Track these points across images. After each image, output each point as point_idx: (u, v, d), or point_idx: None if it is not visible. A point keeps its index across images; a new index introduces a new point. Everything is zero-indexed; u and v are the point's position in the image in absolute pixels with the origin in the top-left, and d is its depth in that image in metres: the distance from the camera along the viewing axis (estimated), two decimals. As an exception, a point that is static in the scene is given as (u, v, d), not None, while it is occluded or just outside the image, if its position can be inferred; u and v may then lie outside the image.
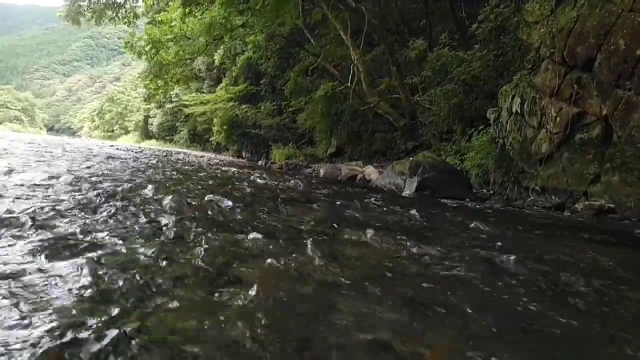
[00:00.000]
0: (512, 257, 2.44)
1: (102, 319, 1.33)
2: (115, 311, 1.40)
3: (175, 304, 1.50)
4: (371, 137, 13.36)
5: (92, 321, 1.31)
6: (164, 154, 18.20)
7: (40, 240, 2.06)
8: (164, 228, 2.58)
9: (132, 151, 17.94)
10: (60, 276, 1.64)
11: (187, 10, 12.52)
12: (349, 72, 12.48)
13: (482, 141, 7.45)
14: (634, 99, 4.58)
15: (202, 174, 7.49)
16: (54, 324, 1.26)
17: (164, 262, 1.93)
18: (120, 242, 2.20)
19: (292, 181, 7.33)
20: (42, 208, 2.71)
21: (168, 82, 15.94)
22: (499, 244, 2.91)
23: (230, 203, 3.86)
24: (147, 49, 14.13)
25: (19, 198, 3.07)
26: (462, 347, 1.35)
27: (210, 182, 6.19)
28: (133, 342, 1.20)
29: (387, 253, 2.44)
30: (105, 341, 1.18)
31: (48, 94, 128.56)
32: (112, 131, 65.98)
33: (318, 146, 15.39)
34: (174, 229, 2.59)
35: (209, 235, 2.53)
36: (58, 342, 1.16)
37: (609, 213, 4.78)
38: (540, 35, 6.28)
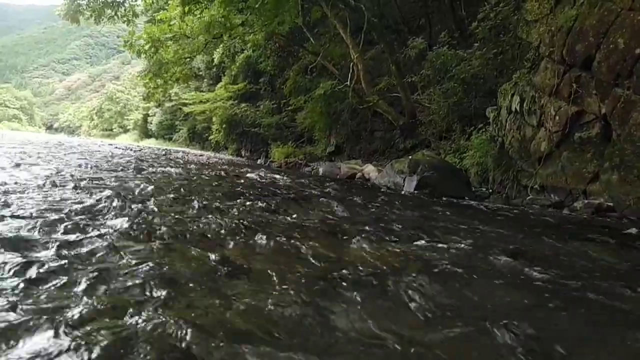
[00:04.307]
0: (511, 256, 2.45)
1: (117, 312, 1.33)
2: (123, 306, 1.40)
3: (176, 302, 1.51)
4: (370, 135, 13.36)
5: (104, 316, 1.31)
6: (163, 152, 18.18)
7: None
8: (163, 228, 2.58)
9: (131, 150, 17.92)
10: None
11: (187, 9, 12.49)
12: (349, 70, 12.47)
13: (481, 140, 7.44)
14: (632, 98, 4.58)
15: (201, 173, 7.49)
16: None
17: (165, 261, 1.93)
18: (121, 241, 2.20)
19: (291, 180, 7.33)
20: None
21: (167, 80, 15.90)
22: (498, 242, 2.91)
23: (229, 202, 3.86)
24: (146, 47, 14.09)
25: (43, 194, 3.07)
26: (459, 346, 1.35)
27: (210, 180, 6.19)
28: (141, 334, 1.20)
29: (386, 251, 2.44)
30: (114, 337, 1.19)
31: (47, 93, 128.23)
32: (111, 130, 65.84)
33: (317, 145, 15.37)
34: (174, 228, 2.59)
35: (209, 234, 2.53)
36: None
37: (608, 211, 4.79)
38: (539, 33, 6.28)
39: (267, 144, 18.67)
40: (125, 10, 14.65)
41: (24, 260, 1.75)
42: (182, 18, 13.29)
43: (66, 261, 1.80)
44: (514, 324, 1.50)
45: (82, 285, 1.57)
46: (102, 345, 1.16)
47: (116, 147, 18.87)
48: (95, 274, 1.68)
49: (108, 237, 2.24)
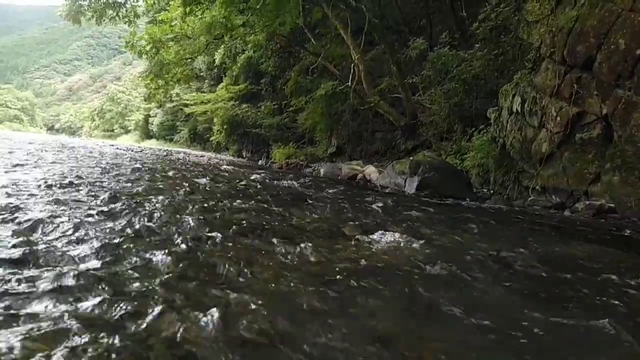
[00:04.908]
0: (511, 257, 2.45)
1: (113, 315, 1.34)
2: (123, 308, 1.40)
3: (176, 302, 1.51)
4: (371, 136, 13.37)
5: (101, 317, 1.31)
6: (164, 153, 18.20)
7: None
8: (165, 228, 2.59)
9: (132, 151, 17.95)
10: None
11: (188, 9, 12.53)
12: (350, 71, 12.48)
13: (482, 141, 7.45)
14: (634, 99, 4.58)
15: (202, 174, 7.49)
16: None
17: (166, 261, 1.94)
18: (124, 242, 2.21)
19: (293, 180, 7.33)
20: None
21: (168, 81, 15.95)
22: (499, 243, 2.91)
23: (230, 202, 3.86)
24: (147, 48, 14.15)
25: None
26: (458, 346, 1.35)
27: (211, 181, 6.20)
28: (138, 339, 1.20)
29: (387, 252, 2.44)
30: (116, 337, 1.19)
31: (49, 93, 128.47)
32: (112, 131, 66.02)
33: (318, 146, 15.39)
34: (175, 228, 2.60)
35: (210, 234, 2.53)
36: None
37: (610, 213, 4.78)
38: (540, 34, 6.28)
39: (268, 145, 18.70)
40: (126, 11, 14.70)
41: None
42: (184, 19, 13.34)
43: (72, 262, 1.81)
44: (512, 324, 1.50)
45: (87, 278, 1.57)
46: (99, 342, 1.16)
47: (117, 148, 18.90)
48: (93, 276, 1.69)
49: (111, 237, 2.24)
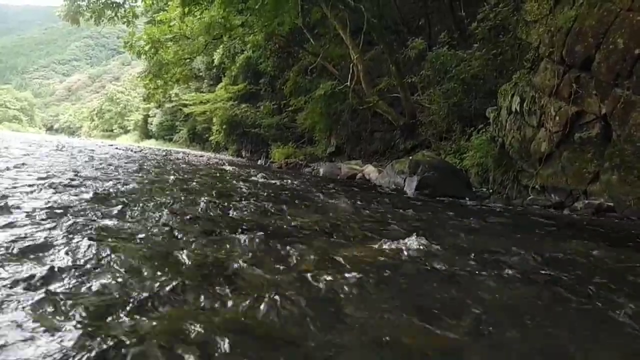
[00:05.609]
0: (511, 256, 2.45)
1: (104, 318, 1.34)
2: (116, 310, 1.40)
3: (174, 302, 1.51)
4: (370, 136, 13.36)
5: (94, 320, 1.32)
6: (164, 153, 18.19)
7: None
8: (165, 227, 2.59)
9: (131, 150, 17.93)
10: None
11: (187, 9, 12.51)
12: (349, 71, 12.48)
13: (481, 140, 7.45)
14: (632, 98, 4.58)
15: (202, 173, 7.49)
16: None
17: (165, 261, 1.94)
18: (123, 240, 2.21)
19: (292, 180, 7.33)
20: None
21: (167, 81, 15.94)
22: (498, 242, 2.92)
23: (230, 202, 3.87)
24: (146, 48, 14.13)
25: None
26: (459, 346, 1.35)
27: (211, 181, 6.20)
28: (129, 342, 1.20)
29: (387, 252, 2.45)
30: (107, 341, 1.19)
31: (47, 94, 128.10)
32: (112, 131, 65.97)
33: (317, 145, 15.38)
34: (175, 227, 2.60)
35: (209, 234, 2.53)
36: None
37: (608, 212, 4.79)
38: (539, 34, 6.28)
39: (267, 145, 18.68)
40: (125, 11, 14.67)
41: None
42: (182, 19, 13.32)
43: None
44: (512, 323, 1.51)
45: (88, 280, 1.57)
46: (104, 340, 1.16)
47: (116, 148, 18.88)
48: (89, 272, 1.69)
49: (109, 235, 2.24)
